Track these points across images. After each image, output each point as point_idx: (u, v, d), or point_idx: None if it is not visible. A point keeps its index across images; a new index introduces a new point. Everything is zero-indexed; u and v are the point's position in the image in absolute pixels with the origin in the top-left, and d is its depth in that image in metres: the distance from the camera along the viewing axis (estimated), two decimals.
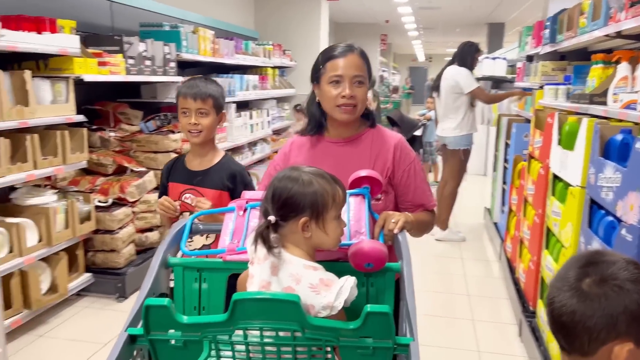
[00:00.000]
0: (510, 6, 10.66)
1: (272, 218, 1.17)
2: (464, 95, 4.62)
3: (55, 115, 3.00)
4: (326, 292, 1.11)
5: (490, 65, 8.07)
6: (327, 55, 1.59)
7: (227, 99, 5.31)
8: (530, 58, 4.49)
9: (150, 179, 3.73)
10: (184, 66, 4.81)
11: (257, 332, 1.07)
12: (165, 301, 1.06)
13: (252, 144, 6.34)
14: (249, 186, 1.92)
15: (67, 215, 3.10)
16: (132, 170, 3.73)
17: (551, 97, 3.39)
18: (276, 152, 7.25)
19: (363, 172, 1.47)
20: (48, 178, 3.36)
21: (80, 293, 3.39)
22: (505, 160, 4.63)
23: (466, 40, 4.86)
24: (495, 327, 3.22)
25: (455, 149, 4.75)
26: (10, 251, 2.75)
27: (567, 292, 0.88)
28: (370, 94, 6.82)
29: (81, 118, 3.16)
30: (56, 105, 3.03)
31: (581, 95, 2.77)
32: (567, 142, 2.36)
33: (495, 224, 4.87)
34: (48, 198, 3.05)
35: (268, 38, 7.52)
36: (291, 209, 1.17)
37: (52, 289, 3.07)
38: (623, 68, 2.38)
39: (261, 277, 1.19)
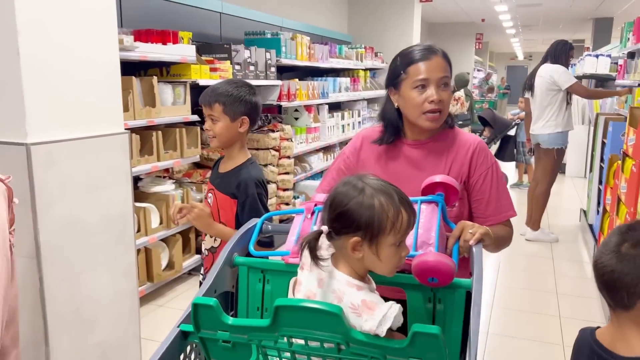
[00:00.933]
0: (616, 1, 10.05)
1: (324, 229, 1.10)
2: (561, 92, 4.57)
3: (175, 115, 3.46)
4: (368, 317, 1.04)
5: (592, 63, 7.70)
6: (408, 59, 1.51)
7: (320, 101, 5.64)
8: (631, 55, 4.33)
9: None
10: (283, 70, 5.18)
11: (302, 341, 1.04)
12: (211, 301, 1.05)
13: (343, 143, 6.62)
14: (250, 198, 1.83)
15: (183, 202, 3.55)
16: None
17: None
18: None
19: (438, 178, 1.36)
20: (167, 170, 3.84)
21: (192, 272, 3.85)
22: (602, 160, 4.50)
23: (569, 36, 4.80)
24: (583, 323, 3.19)
25: (549, 148, 4.69)
26: (138, 231, 3.22)
27: (608, 254, 1.03)
28: (462, 93, 6.90)
29: (195, 118, 3.60)
30: (176, 107, 3.48)
31: None
32: None
33: (591, 225, 4.73)
34: (168, 187, 3.52)
35: (361, 41, 7.77)
36: (344, 224, 1.08)
37: (169, 266, 3.54)
38: None
39: (308, 287, 1.14)
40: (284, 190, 4.67)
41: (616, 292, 1.02)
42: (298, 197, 5.12)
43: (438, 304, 1.28)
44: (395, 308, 1.03)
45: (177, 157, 3.48)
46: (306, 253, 1.13)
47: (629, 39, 4.31)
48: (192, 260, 3.77)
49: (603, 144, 4.54)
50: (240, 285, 1.44)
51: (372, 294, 1.09)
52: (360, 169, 1.62)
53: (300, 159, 5.36)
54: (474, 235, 1.30)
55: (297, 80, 5.16)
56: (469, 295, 1.24)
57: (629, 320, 1.03)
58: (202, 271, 2.04)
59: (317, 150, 5.71)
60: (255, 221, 1.53)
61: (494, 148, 7.04)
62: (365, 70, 7.41)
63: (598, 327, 1.12)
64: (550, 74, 4.61)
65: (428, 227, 1.32)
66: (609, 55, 7.59)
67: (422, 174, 1.47)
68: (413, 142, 1.59)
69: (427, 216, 1.34)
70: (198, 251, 3.86)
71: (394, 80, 1.55)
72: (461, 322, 1.25)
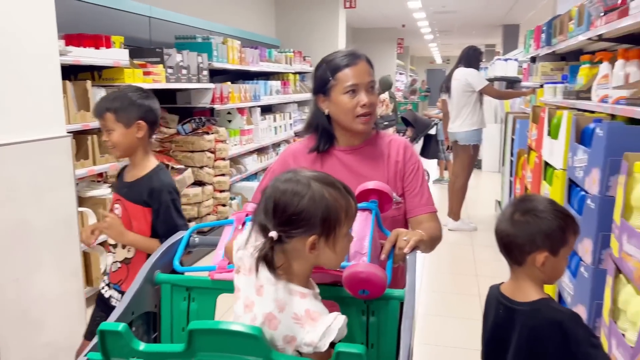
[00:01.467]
0: (524, 8, 10.94)
1: (274, 234, 1.01)
2: (475, 93, 5.01)
3: None
4: (311, 328, 0.99)
5: (503, 66, 8.37)
6: (335, 65, 1.52)
7: (253, 103, 5.78)
8: (533, 59, 4.82)
9: (189, 175, 4.18)
10: (215, 74, 5.26)
11: None
12: (119, 326, 0.97)
13: (276, 145, 6.78)
14: (164, 205, 1.78)
15: None
16: (172, 168, 4.18)
17: (550, 94, 3.73)
18: None
19: (371, 184, 1.35)
20: (100, 175, 3.82)
21: None
22: (512, 155, 4.97)
23: (481, 41, 5.29)
24: None
25: (466, 145, 5.12)
26: None
27: (504, 222, 1.28)
28: (386, 96, 7.26)
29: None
30: None
31: (571, 92, 3.12)
32: (554, 132, 2.72)
33: None
34: (104, 191, 3.52)
35: (289, 46, 7.97)
36: (298, 226, 1.01)
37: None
38: (604, 67, 2.72)
39: (246, 294, 1.07)
40: (221, 191, 4.76)
41: (511, 252, 1.27)
42: (234, 199, 5.21)
43: (372, 316, 1.24)
44: (340, 319, 0.98)
45: (113, 161, 3.49)
46: (241, 254, 1.08)
47: (530, 45, 4.80)
48: None
49: (512, 140, 5.02)
50: (164, 304, 1.35)
51: (316, 302, 1.04)
52: None
53: (235, 160, 5.45)
54: (408, 242, 1.28)
55: (229, 83, 5.26)
56: (402, 305, 1.20)
57: (522, 274, 1.28)
58: (102, 286, 1.93)
59: (251, 152, 5.83)
60: (182, 234, 1.43)
61: (417, 147, 7.48)
62: (294, 73, 7.61)
63: (502, 283, 1.36)
64: (464, 77, 5.03)
65: (361, 236, 1.26)
66: (517, 59, 8.29)
67: (364, 179, 1.46)
68: (346, 148, 1.60)
69: (361, 224, 1.28)
70: None
71: (322, 87, 1.54)
72: (395, 333, 1.23)
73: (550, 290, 2.46)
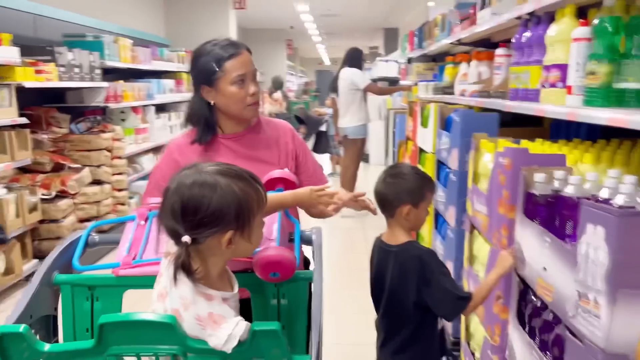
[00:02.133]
0: (401, 13, 11.84)
1: (187, 239, 1.00)
2: (360, 91, 5.50)
3: (2, 119, 3.38)
4: (213, 331, 0.99)
5: (384, 67, 9.06)
6: (220, 56, 1.52)
7: (147, 102, 5.79)
8: (409, 60, 5.41)
9: (87, 174, 4.16)
10: (107, 72, 5.22)
11: (134, 359, 0.98)
12: (20, 327, 0.93)
13: None
14: None
15: (17, 206, 3.48)
16: (69, 167, 4.14)
17: (423, 91, 4.26)
18: None
19: (277, 173, 1.40)
20: None
21: (29, 278, 3.77)
22: (394, 146, 5.53)
23: (366, 43, 5.81)
24: None
25: (355, 138, 5.60)
26: None
27: (379, 184, 1.63)
28: (279, 95, 7.58)
29: (24, 120, 3.56)
30: (2, 109, 3.41)
31: (439, 88, 3.65)
32: (425, 122, 3.20)
33: None
34: (0, 191, 3.43)
35: (179, 45, 7.97)
36: (212, 226, 1.00)
37: (8, 271, 3.45)
38: (463, 67, 3.24)
39: (164, 283, 1.07)
40: (119, 190, 4.76)
41: (385, 207, 1.62)
42: (132, 198, 5.21)
43: (282, 299, 1.27)
44: (242, 326, 0.98)
45: (8, 161, 3.42)
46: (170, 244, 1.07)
47: (406, 47, 5.38)
48: (30, 265, 3.71)
49: (394, 133, 5.58)
50: (64, 306, 1.30)
51: (221, 305, 1.03)
52: None
53: (130, 160, 5.44)
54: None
55: (122, 82, 5.24)
56: (310, 285, 1.27)
57: (394, 223, 1.62)
58: None
59: (147, 151, 5.83)
60: (80, 233, 1.40)
61: (310, 143, 7.89)
62: (187, 72, 7.64)
63: (382, 234, 1.71)
64: (350, 77, 5.50)
65: (270, 222, 1.30)
66: (396, 61, 9.03)
67: (259, 163, 1.53)
68: (233, 135, 1.62)
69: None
70: (36, 256, 3.80)
71: (207, 78, 1.54)
72: (305, 314, 1.28)
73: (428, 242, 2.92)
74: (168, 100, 6.65)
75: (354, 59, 5.57)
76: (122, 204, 4.82)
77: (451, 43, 3.39)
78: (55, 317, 1.31)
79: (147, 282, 1.24)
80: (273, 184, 1.42)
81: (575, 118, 1.48)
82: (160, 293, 1.08)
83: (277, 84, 7.53)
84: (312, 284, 1.25)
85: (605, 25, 1.44)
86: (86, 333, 1.32)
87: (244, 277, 1.21)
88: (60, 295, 1.32)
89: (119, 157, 4.74)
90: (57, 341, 1.32)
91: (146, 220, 1.39)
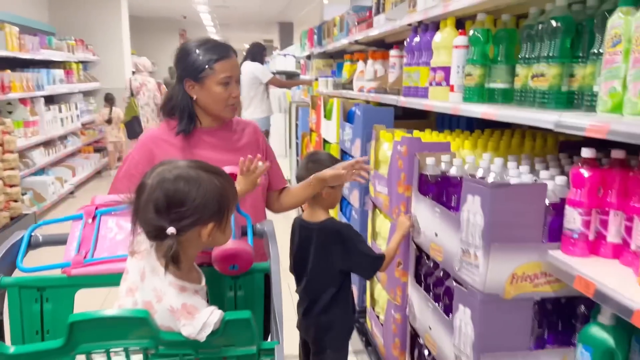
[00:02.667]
0: (295, 8, 12.11)
1: (173, 231, 1.04)
2: (262, 85, 5.67)
3: None
4: (187, 321, 1.02)
5: (282, 61, 9.27)
6: (212, 56, 1.58)
7: (37, 93, 5.49)
8: (309, 56, 5.68)
9: None
10: None
11: (104, 356, 0.99)
12: None
13: (64, 138, 6.48)
14: None
15: None
16: None
17: (323, 86, 4.54)
18: (89, 145, 7.43)
19: (228, 169, 1.39)
20: None
21: None
22: (297, 137, 5.79)
23: (260, 36, 5.95)
24: None
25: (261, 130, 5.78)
26: None
27: (300, 170, 1.85)
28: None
29: None
30: None
31: (338, 84, 3.94)
32: (328, 115, 3.47)
33: None
34: None
35: (66, 33, 7.56)
36: (196, 218, 1.06)
37: None
38: (360, 65, 3.55)
39: (133, 278, 1.11)
40: (11, 186, 4.51)
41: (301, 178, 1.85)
42: (25, 194, 4.94)
43: (239, 291, 1.32)
44: (216, 314, 1.03)
45: None
46: (140, 238, 1.10)
47: (306, 44, 5.65)
48: None
49: (297, 125, 5.83)
50: (11, 309, 1.27)
51: (194, 297, 1.07)
52: None
53: (21, 154, 5.13)
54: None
55: (9, 71, 4.93)
56: (266, 277, 1.32)
57: (314, 203, 1.83)
58: None
59: (37, 145, 5.53)
60: (21, 233, 1.37)
61: None
62: (77, 62, 7.29)
63: (302, 213, 1.92)
64: (252, 71, 5.64)
65: None
66: (294, 55, 9.28)
67: (233, 157, 1.58)
68: (209, 129, 1.69)
69: None
70: None
71: (194, 73, 1.59)
72: (262, 304, 1.35)
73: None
74: (58, 92, 6.32)
75: (256, 53, 5.72)
76: (15, 201, 4.56)
77: (349, 43, 3.69)
78: (0, 321, 1.27)
79: (100, 281, 1.28)
80: None
81: (457, 112, 1.80)
82: (130, 288, 1.10)
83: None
84: (271, 275, 1.28)
85: (478, 35, 1.77)
86: (36, 335, 1.29)
87: (203, 270, 1.23)
88: (7, 298, 1.27)
89: (10, 151, 4.48)
90: None
91: (94, 218, 1.38)
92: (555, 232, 1.38)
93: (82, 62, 7.61)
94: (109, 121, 7.32)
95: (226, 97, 1.62)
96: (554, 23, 1.42)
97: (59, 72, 6.33)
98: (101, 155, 7.62)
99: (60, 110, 6.24)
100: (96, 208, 1.41)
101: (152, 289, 1.06)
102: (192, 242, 1.10)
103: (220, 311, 1.05)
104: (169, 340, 1.00)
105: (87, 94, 7.85)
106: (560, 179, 1.39)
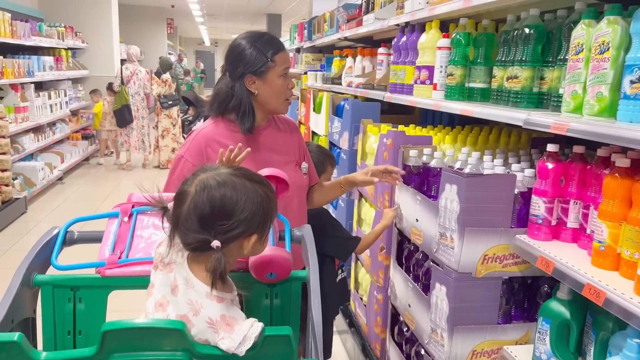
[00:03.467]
0: (284, 0, 12.16)
1: (217, 244, 0.98)
2: None
3: None
4: (226, 334, 0.96)
5: None
6: (273, 47, 1.56)
7: (28, 79, 5.52)
8: (298, 50, 5.79)
9: None
10: None
11: None
12: (14, 336, 0.88)
13: (52, 124, 6.52)
14: None
15: None
16: None
17: (312, 80, 4.66)
18: (76, 132, 7.46)
19: (266, 171, 1.32)
20: None
21: None
22: None
23: (249, 27, 6.00)
24: None
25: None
26: None
27: None
28: (168, 76, 7.54)
29: None
30: None
31: (327, 78, 4.07)
32: (318, 108, 3.60)
33: None
34: None
35: (55, 19, 7.55)
36: (241, 230, 1.00)
37: None
38: (349, 61, 3.69)
39: (162, 292, 1.04)
40: (2, 171, 4.57)
41: None
42: (16, 179, 5.00)
43: (275, 299, 1.25)
44: (257, 327, 0.97)
45: None
46: (160, 250, 1.06)
47: (295, 38, 5.75)
48: None
49: None
50: (44, 308, 1.23)
51: (232, 307, 1.01)
52: None
53: (11, 140, 5.18)
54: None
55: (1, 57, 4.97)
56: (303, 286, 1.25)
57: None
58: None
59: (27, 131, 5.57)
60: (56, 229, 1.32)
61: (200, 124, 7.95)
62: (67, 49, 7.30)
63: None
64: None
65: None
66: None
67: (280, 156, 1.61)
68: (259, 127, 1.65)
69: None
70: None
71: (257, 67, 1.55)
72: (298, 314, 1.28)
73: None
74: (48, 78, 6.35)
75: None
76: (6, 185, 4.62)
77: (338, 39, 3.82)
78: (33, 320, 1.22)
79: (134, 282, 1.22)
80: None
81: (439, 108, 1.95)
82: (159, 302, 1.03)
83: (166, 66, 7.48)
84: (309, 284, 1.20)
85: (460, 38, 1.92)
86: (68, 336, 1.25)
87: (236, 277, 1.17)
88: (40, 297, 1.23)
89: (2, 136, 4.54)
90: (35, 346, 1.24)
91: (130, 217, 1.33)
92: (522, 219, 1.55)
93: (71, 48, 7.62)
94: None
95: (285, 89, 1.61)
96: (527, 30, 1.58)
97: (48, 59, 6.36)
98: (89, 143, 7.65)
99: (49, 97, 6.27)
100: (132, 206, 1.34)
101: (187, 302, 1.00)
102: (232, 253, 1.05)
103: (260, 324, 0.99)
104: (204, 353, 0.95)
105: (75, 81, 7.86)
106: (529, 171, 1.55)
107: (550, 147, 1.44)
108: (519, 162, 1.78)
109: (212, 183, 1.01)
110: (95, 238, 1.34)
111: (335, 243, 1.92)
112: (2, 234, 4.35)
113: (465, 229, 1.50)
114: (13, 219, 4.65)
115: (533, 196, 1.47)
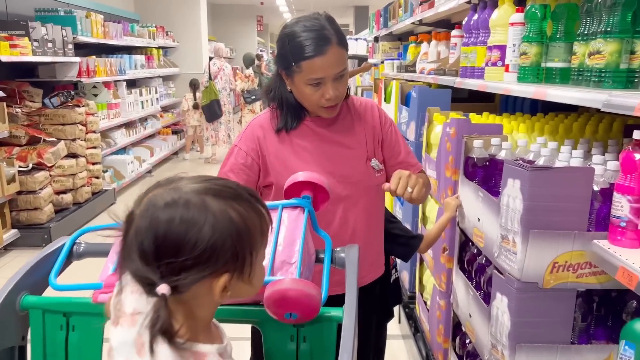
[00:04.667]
0: None
1: (164, 290, 0.69)
2: None
3: None
4: None
5: (353, 45, 9.20)
6: (300, 52, 1.32)
7: (119, 77, 5.85)
8: (376, 39, 5.60)
9: (63, 147, 4.26)
10: (79, 47, 5.25)
11: None
12: None
13: (143, 120, 6.87)
14: None
15: None
16: (44, 140, 4.22)
17: (389, 69, 4.47)
18: (167, 127, 7.83)
19: (301, 176, 1.12)
20: None
21: (7, 247, 3.88)
22: None
23: (337, 21, 5.92)
24: None
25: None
26: None
27: None
28: (251, 71, 7.66)
29: (1, 94, 3.63)
30: None
31: (402, 66, 3.86)
32: (388, 98, 3.42)
33: None
34: None
35: (149, 20, 7.96)
36: (200, 269, 0.70)
37: None
38: (424, 46, 3.46)
39: (124, 355, 0.73)
40: (93, 164, 4.86)
41: None
42: (107, 171, 5.31)
43: (303, 343, 0.99)
44: None
45: None
46: (116, 301, 0.76)
47: (373, 26, 5.57)
48: (9, 235, 3.82)
49: None
50: (34, 336, 1.03)
51: None
52: (275, 163, 1.44)
53: (103, 134, 5.52)
54: (413, 188, 1.31)
55: (94, 57, 5.29)
56: (339, 327, 0.95)
57: None
58: None
59: (119, 126, 5.91)
60: (62, 241, 1.12)
61: None
62: (158, 48, 7.67)
63: None
64: None
65: (290, 241, 1.02)
66: (365, 39, 9.19)
67: (345, 150, 1.43)
68: (319, 120, 1.46)
69: (290, 226, 1.03)
70: (14, 226, 3.91)
71: (285, 67, 1.39)
72: None
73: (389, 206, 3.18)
74: (139, 76, 6.69)
75: None
76: (97, 177, 4.92)
77: (413, 23, 3.60)
78: (22, 349, 1.05)
79: None
80: (297, 190, 1.13)
81: (509, 92, 1.72)
82: None
83: (248, 61, 7.64)
84: (343, 330, 0.91)
85: (535, 11, 1.67)
86: None
87: (252, 313, 0.96)
88: (30, 322, 1.04)
89: (93, 132, 4.83)
90: None
91: None
92: (603, 220, 1.29)
93: (162, 47, 8.00)
94: (195, 106, 7.32)
95: (317, 99, 1.37)
96: None
97: (140, 58, 6.70)
98: (177, 137, 7.99)
99: (140, 94, 6.61)
100: None
101: None
102: (201, 300, 0.75)
103: None
104: None
105: (166, 78, 8.25)
106: (612, 164, 1.29)
107: (638, 135, 1.18)
108: (603, 153, 1.51)
109: (159, 202, 0.72)
110: (103, 251, 1.12)
111: (396, 242, 1.74)
112: (91, 223, 4.63)
113: (529, 231, 1.28)
114: (102, 209, 4.93)
115: (615, 194, 1.21)
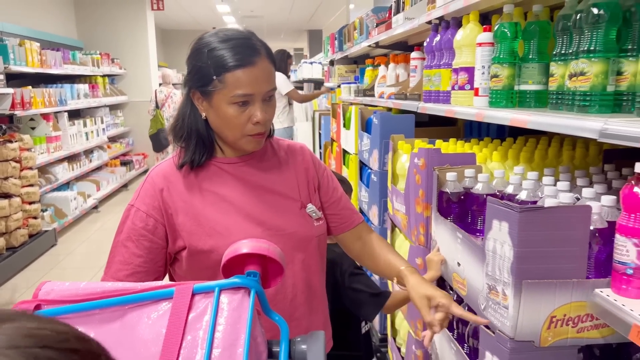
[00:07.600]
0: (324, 15, 11.99)
1: None
2: (284, 96, 5.50)
3: None
4: None
5: (309, 69, 9.12)
6: (223, 62, 1.08)
7: (59, 108, 5.48)
8: (332, 62, 5.48)
9: None
10: (11, 78, 4.88)
11: None
12: None
13: (89, 152, 6.48)
14: None
15: None
16: None
17: (346, 93, 4.33)
18: (115, 158, 7.43)
19: (245, 247, 0.85)
20: None
21: None
22: (320, 147, 5.58)
23: (291, 45, 5.81)
24: None
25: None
26: None
27: None
28: None
29: None
30: None
31: (360, 90, 3.72)
32: (347, 124, 3.25)
33: None
34: None
35: (93, 47, 7.62)
36: None
37: None
38: (382, 69, 3.33)
39: None
40: (30, 203, 4.46)
41: None
42: (46, 210, 4.90)
43: None
44: None
45: None
46: None
47: (328, 50, 5.45)
48: None
49: (320, 134, 5.63)
50: None
51: None
52: (186, 221, 1.14)
53: (43, 170, 5.12)
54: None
55: (30, 87, 4.92)
56: None
57: None
58: None
59: (60, 160, 5.51)
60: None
61: None
62: (103, 76, 7.31)
63: None
64: None
65: (232, 341, 0.76)
66: (320, 62, 9.12)
67: (276, 198, 1.20)
68: (237, 160, 1.21)
69: (231, 318, 0.78)
70: None
71: (201, 84, 1.12)
72: None
73: (354, 201, 2.98)
74: (83, 106, 6.33)
75: (280, 62, 5.56)
76: (35, 218, 4.52)
77: (369, 46, 3.47)
78: None
79: None
80: (241, 263, 0.86)
81: (482, 119, 1.56)
82: None
83: None
84: None
85: (505, 30, 1.53)
86: None
87: None
88: None
89: (30, 168, 4.44)
90: None
91: None
92: (602, 264, 1.12)
93: (108, 75, 7.64)
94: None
95: (242, 123, 1.11)
96: (595, 10, 1.17)
97: (83, 87, 6.35)
98: (127, 169, 7.60)
99: (85, 125, 6.23)
100: (36, 307, 0.79)
101: None
102: None
103: None
104: None
105: (113, 107, 7.87)
106: (608, 199, 1.13)
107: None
108: (590, 184, 1.36)
109: None
110: None
111: (356, 299, 1.53)
112: (29, 268, 4.22)
113: (522, 282, 1.10)
114: (42, 252, 4.53)
115: (618, 236, 1.05)
